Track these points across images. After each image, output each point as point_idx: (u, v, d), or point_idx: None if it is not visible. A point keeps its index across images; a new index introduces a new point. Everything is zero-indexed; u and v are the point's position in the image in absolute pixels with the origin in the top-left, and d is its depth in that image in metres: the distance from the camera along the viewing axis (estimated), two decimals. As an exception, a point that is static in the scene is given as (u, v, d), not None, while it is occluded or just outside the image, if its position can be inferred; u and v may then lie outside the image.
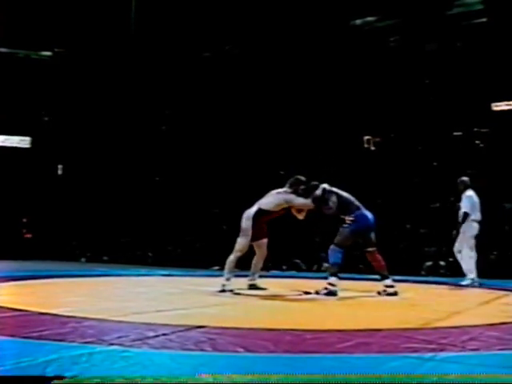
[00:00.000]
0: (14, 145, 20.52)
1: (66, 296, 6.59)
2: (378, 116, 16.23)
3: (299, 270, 13.90)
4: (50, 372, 2.73)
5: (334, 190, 7.49)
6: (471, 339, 3.85)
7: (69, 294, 6.78)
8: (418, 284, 7.60)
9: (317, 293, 7.13)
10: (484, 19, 15.90)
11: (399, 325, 4.62)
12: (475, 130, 15.54)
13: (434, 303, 6.80)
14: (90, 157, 20.20)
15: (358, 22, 17.92)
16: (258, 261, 7.66)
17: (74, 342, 3.52)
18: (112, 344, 3.44)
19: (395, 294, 7.23)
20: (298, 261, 14.07)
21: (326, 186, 7.51)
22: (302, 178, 7.55)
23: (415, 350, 3.41)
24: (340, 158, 15.88)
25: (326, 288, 7.04)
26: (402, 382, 2.76)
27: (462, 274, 9.22)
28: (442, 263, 12.90)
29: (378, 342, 3.76)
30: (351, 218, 7.21)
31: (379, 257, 7.46)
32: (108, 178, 19.35)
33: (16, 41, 20.32)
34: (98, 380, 2.63)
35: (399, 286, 7.92)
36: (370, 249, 7.42)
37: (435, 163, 15.24)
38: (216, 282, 7.43)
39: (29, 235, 19.36)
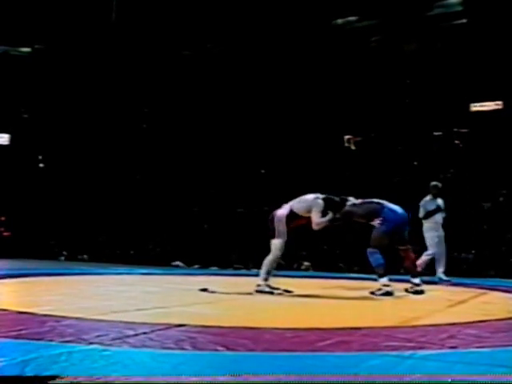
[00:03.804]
0: (-8, 142, 20.32)
1: (44, 295, 6.52)
2: (358, 115, 16.31)
3: (279, 268, 13.87)
4: (28, 372, 2.70)
5: (352, 202, 7.50)
6: (450, 337, 3.88)
7: (47, 293, 6.71)
8: (397, 283, 7.63)
9: (372, 293, 7.02)
10: (464, 20, 16.08)
11: (379, 323, 4.65)
12: (455, 130, 15.69)
13: (413, 301, 6.86)
14: (69, 155, 20.05)
15: (340, 21, 18.01)
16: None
17: (52, 341, 3.48)
18: (91, 343, 3.41)
19: (422, 292, 7.38)
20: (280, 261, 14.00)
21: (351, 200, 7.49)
22: (336, 199, 7.25)
23: (395, 348, 3.43)
24: (320, 157, 15.91)
25: (380, 289, 7.02)
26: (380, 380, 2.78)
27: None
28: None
29: (357, 341, 3.78)
30: (380, 219, 7.26)
31: (412, 255, 7.71)
32: (88, 177, 19.21)
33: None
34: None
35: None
36: (403, 247, 7.55)
37: (415, 163, 15.36)
38: (196, 281, 7.38)
39: (7, 233, 19.13)
